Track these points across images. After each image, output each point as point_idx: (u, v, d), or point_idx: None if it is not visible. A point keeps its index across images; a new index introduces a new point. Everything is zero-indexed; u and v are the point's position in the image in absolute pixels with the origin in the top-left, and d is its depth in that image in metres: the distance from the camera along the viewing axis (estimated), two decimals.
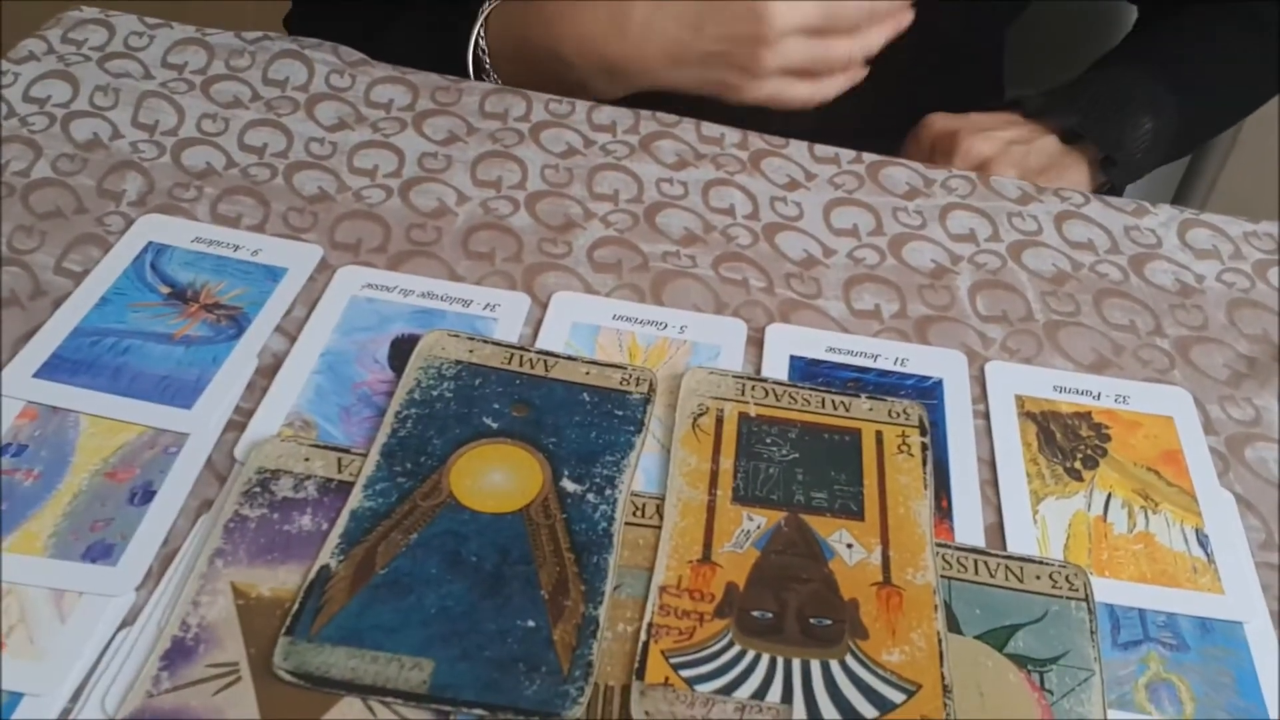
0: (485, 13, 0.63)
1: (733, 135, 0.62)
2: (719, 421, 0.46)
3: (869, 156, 0.62)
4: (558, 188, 0.58)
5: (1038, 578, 0.42)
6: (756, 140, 0.62)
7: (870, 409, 0.47)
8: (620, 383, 0.47)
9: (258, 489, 0.42)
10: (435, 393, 0.45)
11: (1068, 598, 0.41)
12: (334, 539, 0.40)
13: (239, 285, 0.50)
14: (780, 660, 0.38)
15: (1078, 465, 0.47)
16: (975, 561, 0.42)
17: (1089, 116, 0.65)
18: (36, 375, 0.45)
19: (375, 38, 0.65)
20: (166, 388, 0.45)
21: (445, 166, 0.58)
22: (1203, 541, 0.44)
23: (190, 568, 0.39)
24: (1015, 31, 0.80)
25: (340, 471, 0.42)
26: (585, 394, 0.46)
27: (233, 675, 0.36)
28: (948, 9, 0.63)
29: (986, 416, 0.49)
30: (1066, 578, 0.42)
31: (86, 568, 0.39)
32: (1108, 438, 0.48)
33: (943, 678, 0.38)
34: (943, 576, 0.41)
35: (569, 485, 0.43)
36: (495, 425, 0.44)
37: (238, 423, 0.45)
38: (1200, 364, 0.53)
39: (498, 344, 0.48)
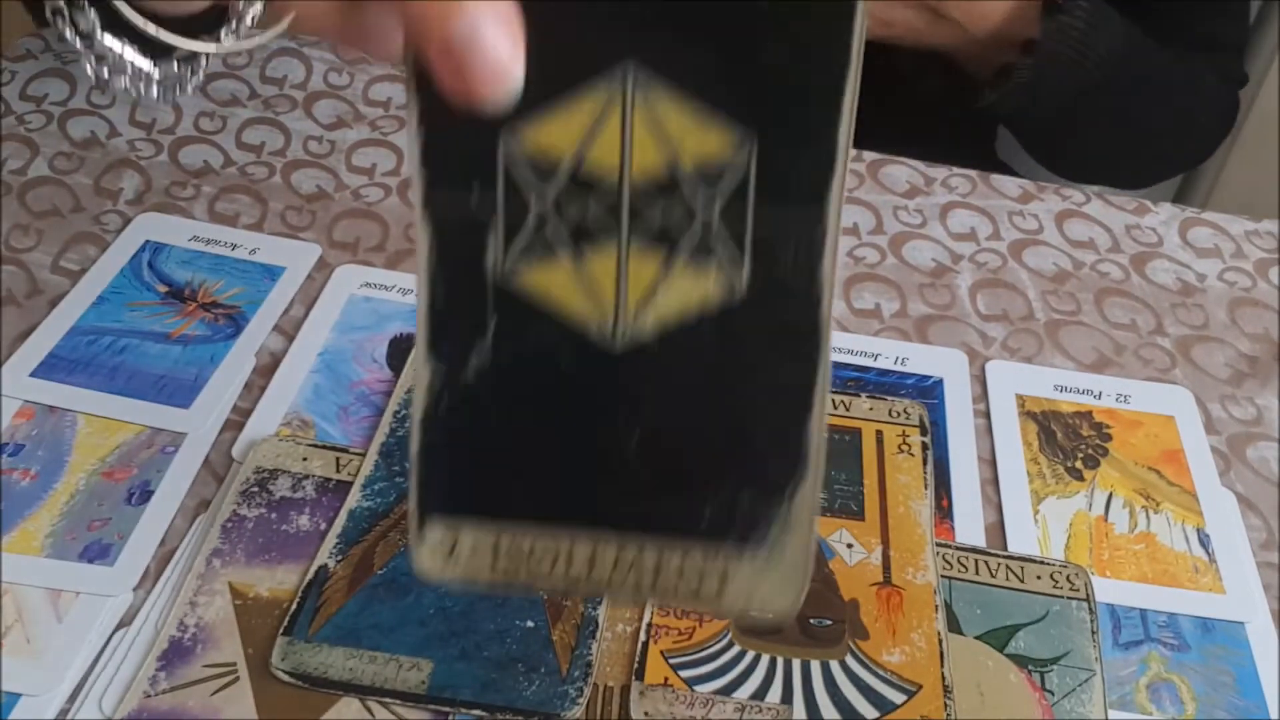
0: None
1: None
2: None
3: (869, 155, 0.62)
4: None
5: (1038, 577, 0.41)
6: None
7: (870, 408, 0.47)
8: None
9: (255, 488, 0.41)
10: None
11: (1069, 598, 0.41)
12: (332, 539, 0.40)
13: (236, 284, 0.50)
14: (780, 660, 0.38)
15: (1079, 465, 0.47)
16: (976, 561, 0.42)
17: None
18: (33, 374, 0.45)
19: None
20: (164, 387, 0.45)
21: None
22: (1204, 541, 0.44)
23: (188, 568, 0.39)
24: None
25: (338, 471, 0.42)
26: None
27: (230, 675, 0.36)
28: None
29: (987, 416, 0.49)
30: (1067, 577, 0.42)
31: (83, 567, 0.39)
32: (1109, 437, 0.48)
33: (943, 678, 0.38)
34: (943, 576, 0.41)
35: None
36: None
37: (235, 422, 0.45)
38: (1201, 363, 0.53)
39: None
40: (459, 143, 0.22)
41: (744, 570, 0.24)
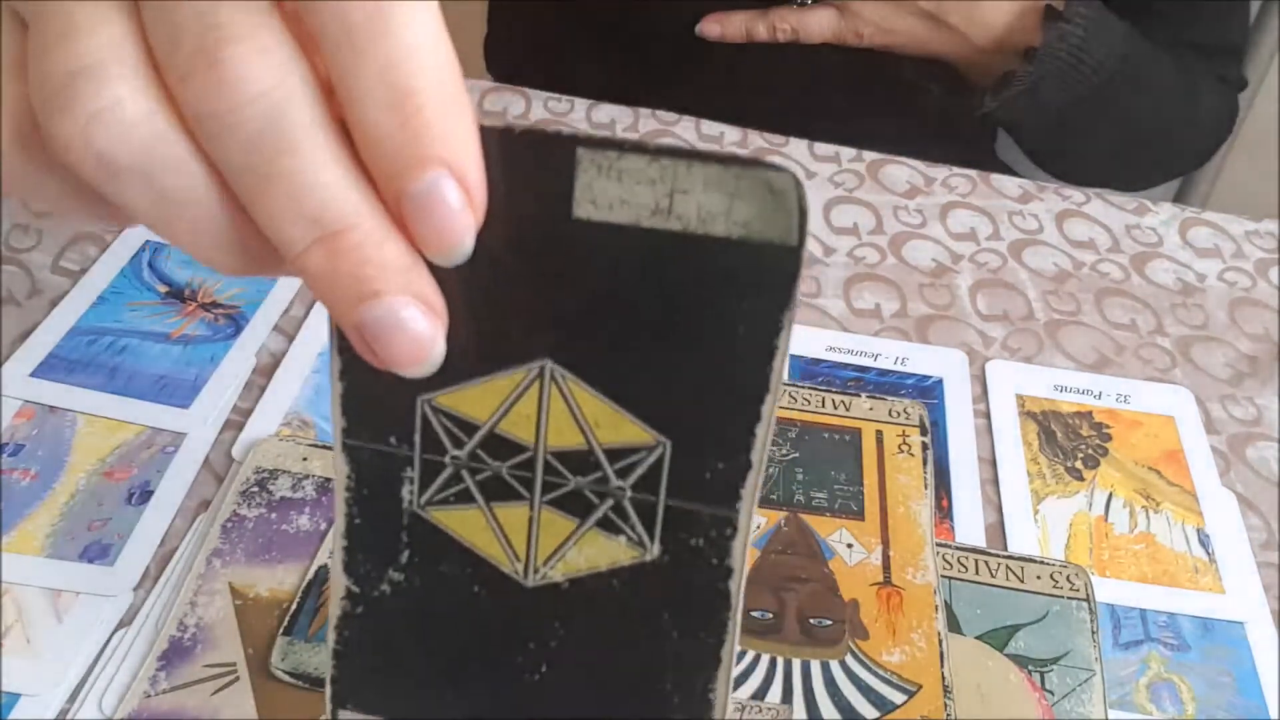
0: None
1: (732, 133, 0.62)
2: None
3: (869, 155, 0.62)
4: None
5: (1038, 577, 0.41)
6: (756, 138, 0.62)
7: (870, 408, 0.47)
8: None
9: (255, 488, 0.41)
10: None
11: (1069, 598, 0.41)
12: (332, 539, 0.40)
13: (236, 284, 0.50)
14: (780, 660, 0.38)
15: (1079, 465, 0.47)
16: (976, 561, 0.42)
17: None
18: (33, 374, 0.45)
19: None
20: (164, 387, 0.45)
21: None
22: (1204, 541, 0.44)
23: (188, 568, 0.39)
24: None
25: None
26: None
27: (230, 675, 0.36)
28: None
29: (987, 416, 0.49)
30: (1067, 578, 0.42)
31: (84, 567, 0.39)
32: (1109, 437, 0.48)
33: (943, 678, 0.38)
34: (943, 576, 0.41)
35: None
36: None
37: (235, 422, 0.45)
38: (1201, 363, 0.53)
39: None
40: (378, 398, 0.23)
41: None
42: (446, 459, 0.23)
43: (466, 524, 0.24)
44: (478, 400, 0.22)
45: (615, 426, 0.22)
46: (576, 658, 0.24)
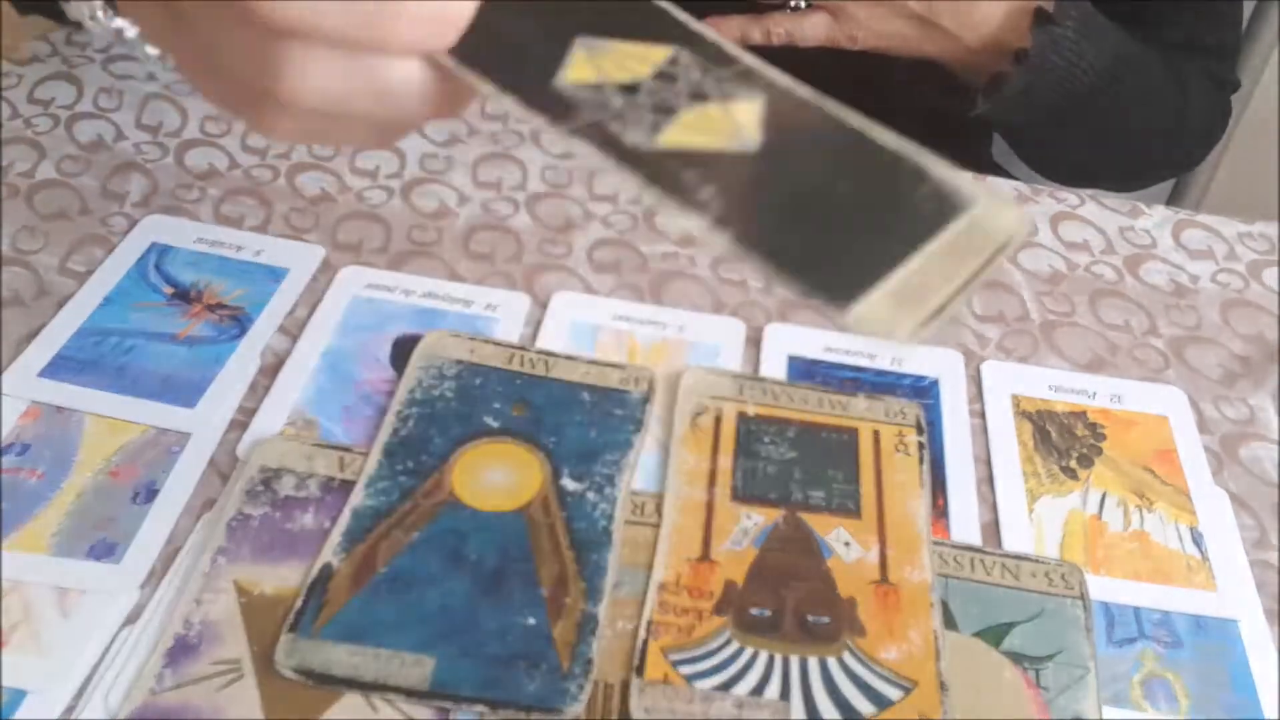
0: None
1: None
2: (717, 420, 0.46)
3: None
4: (558, 189, 0.58)
5: (1033, 575, 0.42)
6: None
7: (867, 408, 0.47)
8: (619, 382, 0.47)
9: (260, 487, 0.42)
10: (436, 392, 0.46)
11: (1063, 595, 0.41)
12: (336, 537, 0.40)
13: (241, 285, 0.51)
14: (778, 657, 0.38)
15: (1073, 464, 0.47)
16: (971, 559, 0.42)
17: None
18: (40, 375, 0.45)
19: None
20: (169, 387, 0.46)
21: (446, 168, 0.59)
22: (1197, 539, 0.45)
23: (193, 566, 0.39)
24: None
25: (342, 470, 0.43)
26: (585, 393, 0.46)
27: (235, 673, 0.37)
28: None
29: (983, 416, 0.49)
30: (1062, 575, 0.42)
31: (90, 566, 0.39)
32: (1103, 436, 0.49)
33: (939, 675, 0.38)
34: (939, 574, 0.42)
35: (569, 483, 0.43)
36: (495, 424, 0.45)
37: (240, 422, 0.45)
38: (1195, 363, 0.53)
39: (498, 344, 0.48)
40: (539, 99, 0.27)
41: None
42: (640, 90, 0.27)
43: (686, 133, 0.26)
44: (578, 73, 0.27)
45: (651, 52, 0.27)
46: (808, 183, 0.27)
